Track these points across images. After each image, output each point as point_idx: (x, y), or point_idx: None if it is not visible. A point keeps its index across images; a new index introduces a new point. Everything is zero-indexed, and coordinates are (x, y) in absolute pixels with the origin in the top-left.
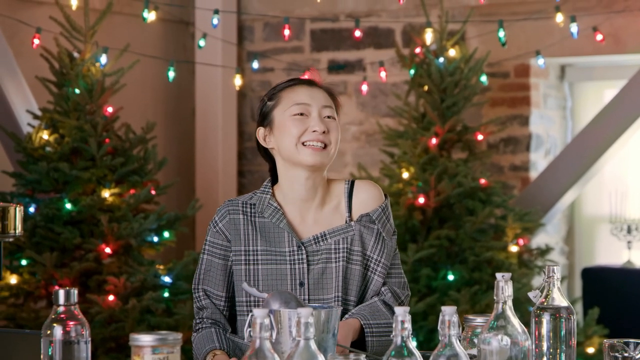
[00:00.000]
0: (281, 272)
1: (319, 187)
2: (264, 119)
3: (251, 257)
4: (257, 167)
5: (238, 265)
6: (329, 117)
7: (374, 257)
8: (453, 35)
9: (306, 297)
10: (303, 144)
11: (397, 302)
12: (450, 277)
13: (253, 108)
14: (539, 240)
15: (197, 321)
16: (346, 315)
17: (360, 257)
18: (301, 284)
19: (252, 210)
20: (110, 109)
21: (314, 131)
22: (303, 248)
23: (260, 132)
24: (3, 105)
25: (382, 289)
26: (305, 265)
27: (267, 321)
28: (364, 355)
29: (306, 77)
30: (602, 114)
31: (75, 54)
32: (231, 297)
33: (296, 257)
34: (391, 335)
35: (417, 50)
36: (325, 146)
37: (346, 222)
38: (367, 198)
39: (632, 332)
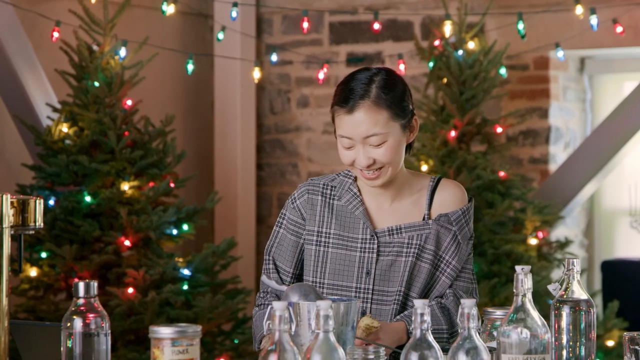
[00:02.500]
0: (350, 258)
1: (395, 180)
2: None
3: (322, 239)
4: (275, 159)
5: (309, 245)
6: (375, 145)
7: (445, 257)
8: (472, 27)
9: (370, 286)
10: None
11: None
12: None
13: (272, 101)
14: (558, 233)
15: (261, 295)
16: (397, 317)
17: (432, 256)
18: (367, 273)
19: (331, 193)
20: (129, 102)
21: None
22: (376, 238)
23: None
24: (23, 98)
25: (447, 291)
26: (375, 255)
27: (286, 314)
28: (382, 349)
29: (349, 90)
30: (622, 106)
31: (95, 47)
32: (299, 274)
33: (367, 245)
34: (445, 337)
35: (436, 42)
36: (379, 168)
37: (424, 218)
38: (450, 198)
39: None
